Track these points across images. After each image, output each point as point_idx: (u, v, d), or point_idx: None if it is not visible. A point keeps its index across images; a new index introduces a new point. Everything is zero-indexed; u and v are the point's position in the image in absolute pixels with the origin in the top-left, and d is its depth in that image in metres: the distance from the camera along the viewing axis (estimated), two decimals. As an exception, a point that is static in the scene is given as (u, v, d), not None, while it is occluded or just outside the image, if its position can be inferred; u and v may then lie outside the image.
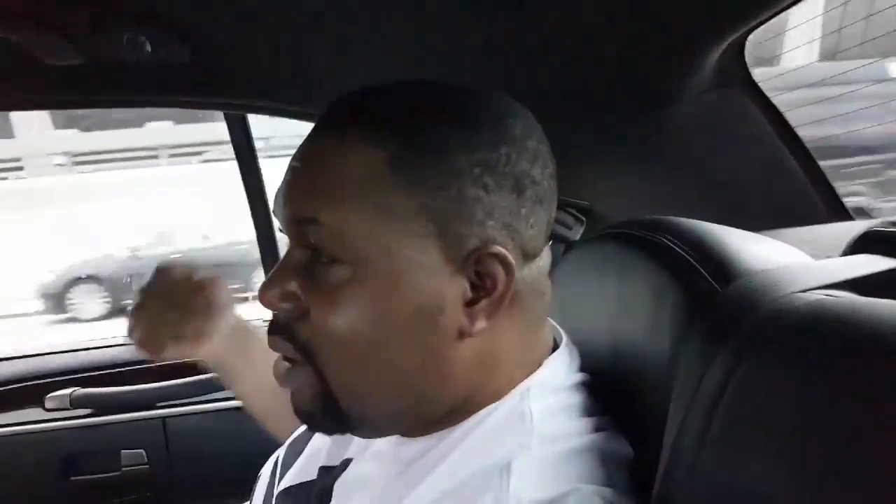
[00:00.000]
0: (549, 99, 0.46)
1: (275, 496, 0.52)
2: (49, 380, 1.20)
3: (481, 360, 0.40)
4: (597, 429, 0.41)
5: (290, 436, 0.57)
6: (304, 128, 0.94)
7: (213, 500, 1.06)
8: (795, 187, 0.72)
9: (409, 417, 0.41)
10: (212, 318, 0.61)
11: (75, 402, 1.18)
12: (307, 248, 0.39)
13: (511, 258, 0.38)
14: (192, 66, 0.75)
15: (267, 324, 0.42)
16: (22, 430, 1.16)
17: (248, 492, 0.58)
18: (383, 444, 0.45)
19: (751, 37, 0.65)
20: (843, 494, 0.27)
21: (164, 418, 1.19)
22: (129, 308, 0.62)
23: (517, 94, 0.42)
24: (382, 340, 0.38)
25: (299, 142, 0.41)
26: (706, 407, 0.34)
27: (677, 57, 0.67)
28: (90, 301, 5.55)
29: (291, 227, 0.40)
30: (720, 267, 0.41)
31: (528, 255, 0.40)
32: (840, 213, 0.71)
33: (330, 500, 0.45)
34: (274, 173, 0.42)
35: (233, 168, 1.19)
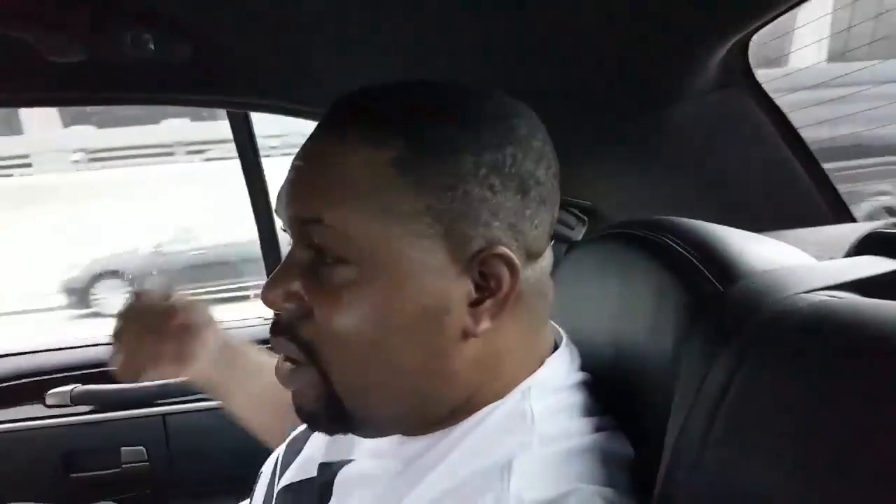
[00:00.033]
0: (550, 99, 0.46)
1: (275, 494, 0.52)
2: (50, 376, 1.20)
3: (484, 361, 0.40)
4: (598, 428, 0.41)
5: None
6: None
7: (213, 498, 1.07)
8: (798, 188, 0.72)
9: (412, 417, 0.41)
10: (190, 340, 0.62)
11: (76, 399, 1.18)
12: (311, 248, 0.39)
13: (516, 259, 0.38)
14: (194, 64, 0.75)
15: (269, 324, 0.42)
16: (22, 427, 1.16)
17: (249, 489, 0.58)
18: (384, 442, 0.45)
19: (758, 37, 0.64)
20: (846, 495, 0.27)
21: (164, 415, 1.19)
22: (110, 334, 0.63)
23: (517, 94, 0.42)
24: (386, 341, 0.38)
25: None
26: (709, 407, 0.34)
27: (680, 57, 0.67)
28: (114, 296, 5.57)
29: (295, 227, 0.40)
30: (723, 267, 0.41)
31: (532, 256, 0.40)
32: (842, 214, 0.71)
33: (330, 497, 0.45)
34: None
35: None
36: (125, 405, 1.19)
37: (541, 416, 0.40)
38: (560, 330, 0.48)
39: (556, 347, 0.45)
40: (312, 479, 0.49)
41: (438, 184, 0.37)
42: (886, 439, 0.27)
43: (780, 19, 0.58)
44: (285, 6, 0.66)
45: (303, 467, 0.51)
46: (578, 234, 0.97)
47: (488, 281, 0.38)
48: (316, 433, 0.53)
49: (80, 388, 1.19)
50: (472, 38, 0.69)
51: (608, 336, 0.49)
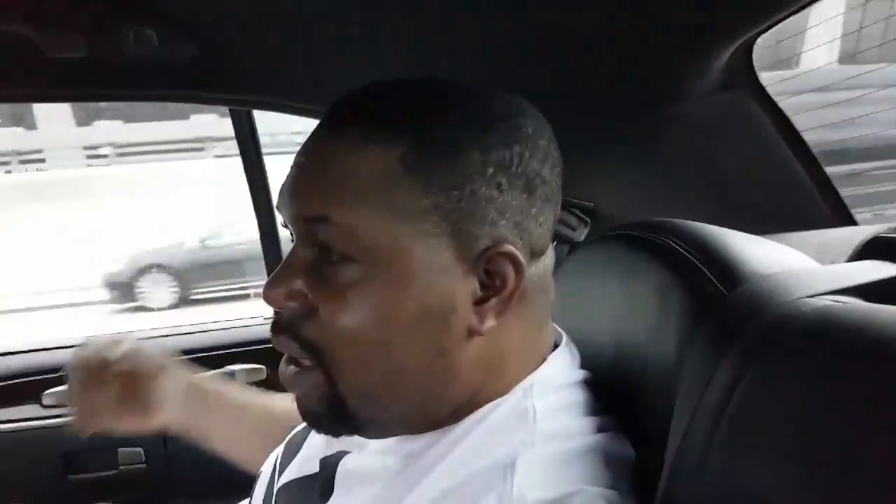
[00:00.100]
0: (550, 99, 0.46)
1: (275, 492, 0.51)
2: (46, 376, 1.20)
3: (487, 359, 0.40)
4: (600, 429, 0.41)
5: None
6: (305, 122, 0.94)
7: (211, 499, 1.06)
8: (800, 191, 0.72)
9: (415, 417, 0.41)
10: (144, 389, 0.60)
11: (73, 399, 1.17)
12: (314, 246, 0.39)
13: (521, 257, 0.38)
14: (196, 61, 0.75)
15: (270, 323, 0.41)
16: (19, 428, 1.15)
17: (247, 490, 0.57)
18: (385, 440, 0.44)
19: (770, 37, 0.64)
20: (849, 498, 0.27)
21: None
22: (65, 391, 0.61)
23: (517, 94, 0.42)
24: (391, 339, 0.38)
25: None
26: (713, 410, 0.34)
27: (682, 57, 0.66)
28: (158, 290, 5.61)
29: (299, 225, 0.40)
30: (726, 270, 0.41)
31: (536, 253, 0.40)
32: (844, 217, 0.71)
33: (332, 493, 0.45)
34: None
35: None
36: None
37: (542, 414, 0.40)
38: (559, 329, 0.48)
39: (555, 346, 0.45)
40: (312, 476, 0.49)
41: (446, 183, 0.37)
42: (891, 443, 0.27)
43: (791, 19, 0.58)
44: (287, 5, 0.66)
45: (302, 465, 0.51)
46: (581, 235, 0.97)
47: (494, 279, 0.38)
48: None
49: None
50: (472, 38, 0.69)
51: (609, 337, 0.49)
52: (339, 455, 0.47)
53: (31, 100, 0.98)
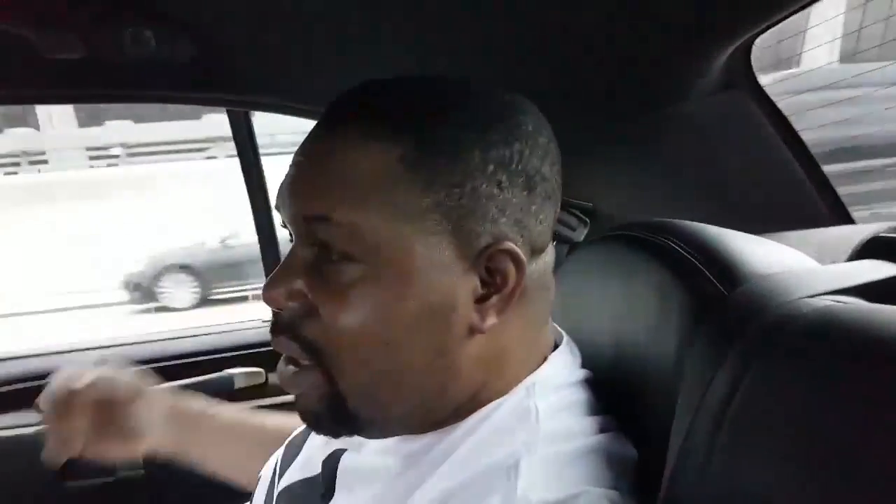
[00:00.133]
0: (550, 99, 0.46)
1: (275, 496, 0.51)
2: (44, 381, 1.19)
3: (489, 358, 0.40)
4: (601, 429, 0.41)
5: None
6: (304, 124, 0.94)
7: (211, 505, 1.06)
8: (799, 191, 0.72)
9: (416, 417, 0.41)
10: (118, 418, 0.59)
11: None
12: (314, 246, 0.39)
13: (522, 254, 0.38)
14: (195, 62, 0.75)
15: (269, 324, 0.41)
16: (17, 434, 1.15)
17: (247, 496, 0.57)
18: (386, 440, 0.44)
19: (770, 36, 0.64)
20: (850, 499, 0.27)
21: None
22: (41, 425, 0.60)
23: (517, 94, 0.42)
24: (393, 338, 0.38)
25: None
26: (715, 411, 0.34)
27: (681, 57, 0.66)
28: (180, 290, 5.58)
29: (298, 224, 0.39)
30: (726, 270, 0.41)
31: (536, 251, 0.40)
32: (842, 216, 0.71)
33: (333, 494, 0.45)
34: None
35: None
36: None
37: (545, 413, 0.39)
38: (559, 329, 0.47)
39: (556, 346, 0.45)
40: (313, 478, 0.49)
41: (447, 181, 0.37)
42: (889, 442, 0.27)
43: (791, 19, 0.58)
44: (286, 5, 0.66)
45: (303, 467, 0.51)
46: (580, 235, 0.97)
47: (494, 277, 0.38)
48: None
49: None
50: (472, 38, 0.69)
51: (609, 337, 0.49)
52: (338, 453, 0.47)
53: (30, 101, 0.98)
